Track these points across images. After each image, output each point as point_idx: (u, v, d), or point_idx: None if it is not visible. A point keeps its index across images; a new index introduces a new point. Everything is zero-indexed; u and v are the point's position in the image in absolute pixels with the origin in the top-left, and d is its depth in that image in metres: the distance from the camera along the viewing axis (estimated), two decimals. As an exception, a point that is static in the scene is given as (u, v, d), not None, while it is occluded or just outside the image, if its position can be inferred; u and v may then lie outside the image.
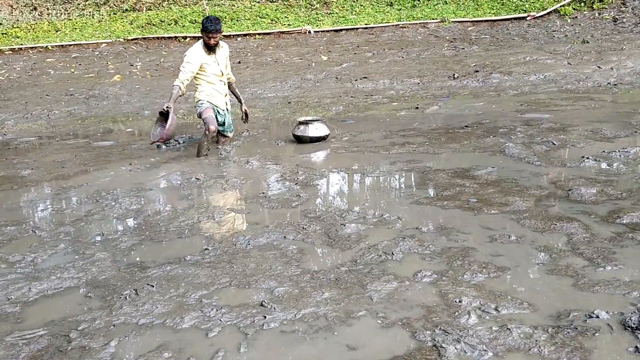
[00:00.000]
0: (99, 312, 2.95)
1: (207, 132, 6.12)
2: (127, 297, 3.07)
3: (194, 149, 6.37)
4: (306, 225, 3.95)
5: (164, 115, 6.06)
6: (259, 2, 18.00)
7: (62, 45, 16.92)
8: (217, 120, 6.35)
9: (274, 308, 2.84)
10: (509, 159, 5.10)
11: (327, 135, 6.43)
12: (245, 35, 16.18)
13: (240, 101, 6.76)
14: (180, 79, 6.07)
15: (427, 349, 2.43)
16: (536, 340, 2.42)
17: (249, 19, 17.42)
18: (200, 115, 6.34)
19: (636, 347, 2.32)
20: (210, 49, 6.19)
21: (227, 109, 6.57)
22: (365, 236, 3.68)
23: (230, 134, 6.73)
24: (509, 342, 2.44)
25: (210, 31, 6.05)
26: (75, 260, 3.62)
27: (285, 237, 3.77)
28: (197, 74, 6.24)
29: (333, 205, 4.43)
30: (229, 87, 6.62)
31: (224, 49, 6.39)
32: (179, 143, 6.77)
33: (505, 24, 14.12)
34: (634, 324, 2.45)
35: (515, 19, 14.21)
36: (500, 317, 2.63)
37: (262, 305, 2.88)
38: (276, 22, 17.05)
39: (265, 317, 2.76)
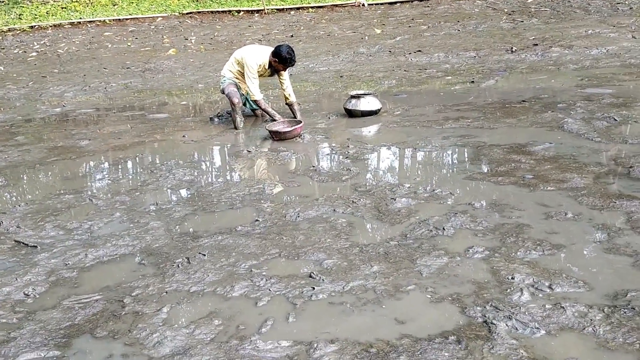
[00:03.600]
0: (152, 279, 3.03)
1: (232, 106, 6.24)
2: (180, 265, 3.14)
3: (245, 123, 6.43)
4: (356, 199, 3.93)
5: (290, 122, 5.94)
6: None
7: (119, 19, 17.26)
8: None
9: (323, 280, 2.85)
10: (568, 135, 4.93)
11: (379, 110, 6.35)
12: (298, 8, 16.10)
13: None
14: (255, 92, 6.13)
15: (477, 325, 2.40)
16: (591, 320, 2.35)
17: (302, -8, 17.36)
18: (223, 91, 6.44)
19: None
20: (274, 71, 6.20)
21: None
22: (416, 211, 3.64)
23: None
24: (562, 320, 2.38)
25: (290, 65, 6.05)
26: (130, 229, 3.73)
27: (334, 210, 3.77)
28: (239, 70, 6.31)
29: (383, 179, 4.39)
30: (289, 107, 6.44)
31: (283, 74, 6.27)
32: (230, 117, 6.81)
33: (567, -5, 13.56)
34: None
35: (577, -10, 13.61)
36: (554, 295, 2.57)
37: (310, 276, 2.90)
38: (330, -5, 16.88)
39: (313, 288, 2.78)
